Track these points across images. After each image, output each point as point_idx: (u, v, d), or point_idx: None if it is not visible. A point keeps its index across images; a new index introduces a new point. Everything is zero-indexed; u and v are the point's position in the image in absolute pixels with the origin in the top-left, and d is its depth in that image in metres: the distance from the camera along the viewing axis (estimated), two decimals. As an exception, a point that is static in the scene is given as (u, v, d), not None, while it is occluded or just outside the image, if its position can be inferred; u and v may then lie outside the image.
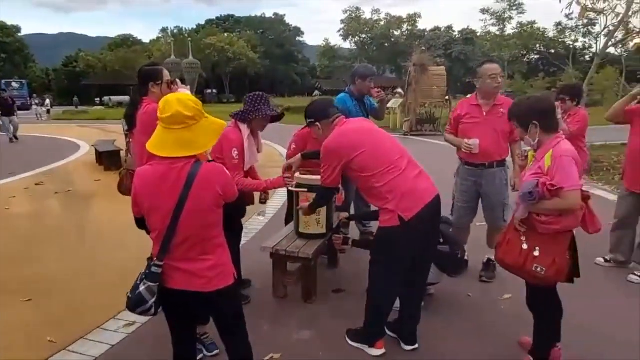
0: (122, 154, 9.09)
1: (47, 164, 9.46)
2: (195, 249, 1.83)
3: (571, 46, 38.70)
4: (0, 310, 3.15)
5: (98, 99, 40.64)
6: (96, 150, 9.67)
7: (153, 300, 1.81)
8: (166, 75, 2.87)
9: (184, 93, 2.07)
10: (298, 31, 62.39)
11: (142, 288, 1.81)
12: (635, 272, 3.61)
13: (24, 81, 39.96)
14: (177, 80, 2.82)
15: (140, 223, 1.93)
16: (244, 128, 2.99)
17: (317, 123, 2.60)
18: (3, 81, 37.89)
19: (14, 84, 38.45)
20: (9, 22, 52.53)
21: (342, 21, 49.43)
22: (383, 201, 2.38)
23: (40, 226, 5.28)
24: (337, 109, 2.71)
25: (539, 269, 2.15)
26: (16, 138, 13.96)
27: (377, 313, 2.59)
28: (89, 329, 2.89)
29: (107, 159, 8.89)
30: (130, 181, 3.07)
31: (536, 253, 2.16)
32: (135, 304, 1.82)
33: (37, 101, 31.50)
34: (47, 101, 32.69)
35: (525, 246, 2.20)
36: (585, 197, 2.18)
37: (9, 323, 2.99)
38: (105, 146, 9.47)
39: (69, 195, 6.83)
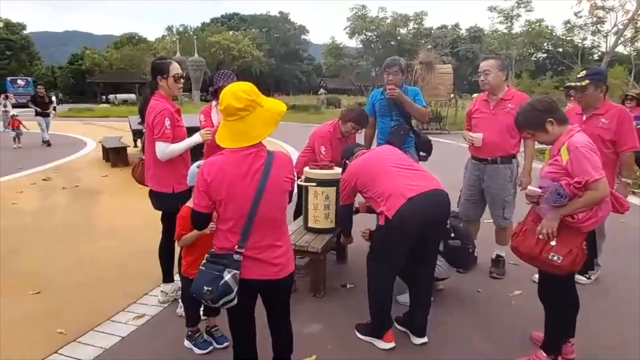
0: (130, 149, 9.19)
1: (54, 160, 9.50)
2: (271, 235, 1.87)
3: (579, 45, 38.27)
4: (9, 303, 3.16)
5: (103, 97, 40.76)
6: (103, 146, 9.70)
7: (236, 289, 1.80)
8: (174, 69, 2.88)
9: (240, 82, 1.96)
10: (303, 29, 62.30)
11: (227, 277, 1.77)
12: None
13: (29, 79, 39.98)
14: None
15: (204, 220, 1.91)
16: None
17: (347, 161, 3.09)
18: (9, 78, 38.03)
19: (20, 82, 38.51)
20: (14, 20, 52.81)
21: (348, 19, 49.04)
22: (378, 206, 2.57)
23: (46, 221, 5.31)
24: (361, 145, 3.38)
25: (555, 257, 2.14)
26: (49, 144, 11.74)
27: (377, 305, 2.65)
28: (99, 321, 2.89)
29: (114, 155, 8.93)
30: (142, 169, 3.07)
31: (553, 243, 2.15)
32: (220, 294, 1.77)
33: (53, 99, 31.59)
34: (54, 98, 32.80)
35: (541, 236, 2.18)
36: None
37: (18, 316, 3.00)
38: (113, 142, 9.50)
39: (76, 191, 6.86)
